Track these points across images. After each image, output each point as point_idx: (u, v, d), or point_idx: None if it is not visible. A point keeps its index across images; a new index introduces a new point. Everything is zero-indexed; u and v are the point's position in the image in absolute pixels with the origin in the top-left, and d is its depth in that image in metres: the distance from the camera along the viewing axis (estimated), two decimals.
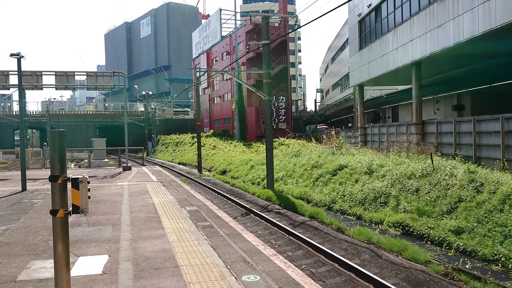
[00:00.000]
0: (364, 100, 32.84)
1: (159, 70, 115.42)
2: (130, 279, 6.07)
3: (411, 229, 10.71)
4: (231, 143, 47.62)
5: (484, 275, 7.65)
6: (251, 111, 54.27)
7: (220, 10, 63.93)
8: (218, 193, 20.08)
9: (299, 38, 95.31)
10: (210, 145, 45.91)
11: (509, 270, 7.83)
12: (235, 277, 6.15)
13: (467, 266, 8.18)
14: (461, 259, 8.56)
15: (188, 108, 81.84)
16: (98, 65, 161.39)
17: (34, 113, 69.64)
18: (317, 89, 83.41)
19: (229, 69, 46.24)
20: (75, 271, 6.33)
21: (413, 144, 19.59)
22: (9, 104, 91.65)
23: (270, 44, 19.56)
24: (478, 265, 8.31)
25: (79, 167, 34.26)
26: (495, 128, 16.17)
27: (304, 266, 8.97)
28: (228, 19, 62.76)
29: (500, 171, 12.73)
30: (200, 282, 5.93)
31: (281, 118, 55.04)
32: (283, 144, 37.98)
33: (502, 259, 8.10)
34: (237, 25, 57.53)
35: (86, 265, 6.72)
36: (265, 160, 19.58)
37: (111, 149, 39.89)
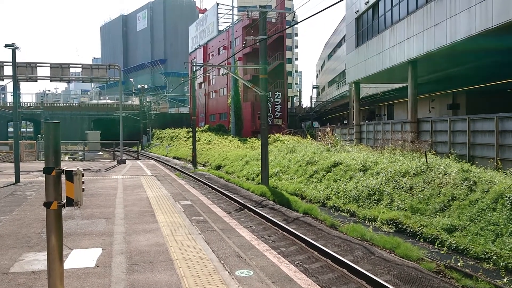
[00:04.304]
0: (360, 97, 32.87)
1: (155, 64, 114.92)
2: (124, 272, 6.07)
3: (404, 227, 10.76)
4: (226, 138, 47.60)
5: (475, 273, 7.71)
6: (247, 107, 54.22)
7: (217, 4, 63.68)
8: (213, 188, 20.08)
9: (296, 34, 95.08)
10: (205, 140, 45.86)
11: (501, 268, 7.89)
12: (229, 272, 6.17)
13: (459, 264, 8.25)
14: (453, 257, 8.63)
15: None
16: (94, 58, 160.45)
17: (29, 105, 69.18)
18: (313, 86, 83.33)
19: (225, 64, 46.11)
20: (68, 264, 6.31)
21: (407, 142, 19.66)
22: (3, 95, 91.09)
23: (267, 39, 19.51)
24: (470, 263, 8.37)
25: (73, 160, 34.13)
26: (490, 128, 16.24)
27: (297, 262, 9.00)
28: (225, 14, 62.54)
29: (493, 170, 12.81)
30: (194, 276, 5.94)
31: (277, 114, 55.05)
32: (278, 140, 38.01)
33: (494, 258, 8.17)
34: (234, 20, 57.32)
35: (79, 258, 6.71)
36: (260, 156, 19.58)
37: (106, 142, 39.78)
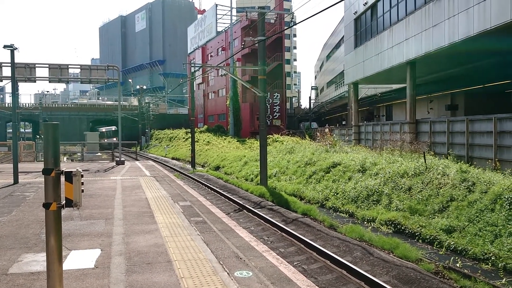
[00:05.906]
0: (359, 98, 32.91)
1: (153, 65, 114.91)
2: (123, 273, 6.07)
3: (403, 227, 10.78)
4: (225, 139, 47.59)
5: (474, 274, 7.73)
6: (246, 107, 54.21)
7: (216, 5, 63.66)
8: (211, 189, 20.07)
9: (294, 35, 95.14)
10: (204, 140, 45.84)
11: (499, 269, 7.91)
12: (228, 273, 6.17)
13: (457, 265, 8.26)
14: (452, 258, 8.64)
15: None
16: (92, 59, 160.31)
17: (27, 106, 69.12)
18: (311, 87, 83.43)
19: (224, 65, 46.12)
20: (67, 265, 6.31)
21: (406, 143, 19.69)
22: (1, 96, 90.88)
23: (265, 40, 19.52)
24: (468, 263, 8.39)
25: (72, 160, 34.09)
26: (488, 128, 16.28)
27: (296, 263, 9.00)
28: (223, 15, 62.53)
29: (492, 171, 12.84)
30: (193, 277, 5.94)
31: (276, 115, 55.04)
32: (277, 141, 38.02)
33: (492, 258, 8.18)
34: (233, 21, 57.32)
35: (78, 259, 6.71)
36: (259, 157, 19.58)
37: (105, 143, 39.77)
